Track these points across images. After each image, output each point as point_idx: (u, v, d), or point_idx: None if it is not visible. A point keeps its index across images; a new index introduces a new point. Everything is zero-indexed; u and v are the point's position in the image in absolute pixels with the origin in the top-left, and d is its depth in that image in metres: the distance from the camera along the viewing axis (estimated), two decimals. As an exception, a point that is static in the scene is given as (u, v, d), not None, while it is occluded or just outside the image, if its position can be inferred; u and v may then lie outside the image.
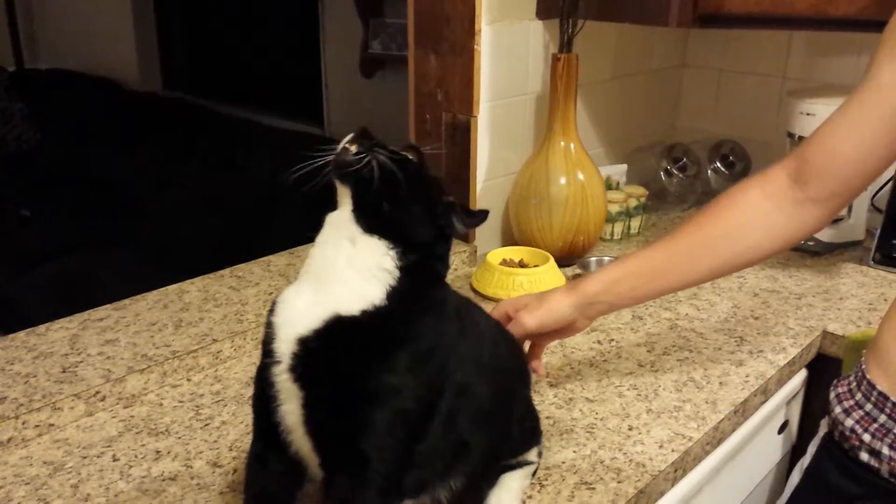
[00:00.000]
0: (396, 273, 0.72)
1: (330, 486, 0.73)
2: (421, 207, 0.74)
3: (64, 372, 1.07)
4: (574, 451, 0.98)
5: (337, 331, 0.70)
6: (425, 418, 0.73)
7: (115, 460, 0.95)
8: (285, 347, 0.71)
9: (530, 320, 1.01)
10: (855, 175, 0.95)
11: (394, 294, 0.71)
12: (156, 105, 3.62)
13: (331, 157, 0.73)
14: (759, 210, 0.99)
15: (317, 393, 0.71)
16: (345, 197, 0.74)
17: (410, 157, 0.74)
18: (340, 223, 0.73)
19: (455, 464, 0.77)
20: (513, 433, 0.88)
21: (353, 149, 0.72)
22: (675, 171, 1.80)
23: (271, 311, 0.74)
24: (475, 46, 1.42)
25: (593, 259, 1.47)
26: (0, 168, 3.72)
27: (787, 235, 1.00)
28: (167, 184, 3.20)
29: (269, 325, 0.74)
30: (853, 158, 0.94)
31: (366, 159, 0.71)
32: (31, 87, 3.94)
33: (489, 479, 0.87)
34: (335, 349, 0.70)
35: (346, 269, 0.72)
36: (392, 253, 0.72)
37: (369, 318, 0.70)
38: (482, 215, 0.81)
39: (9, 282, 3.04)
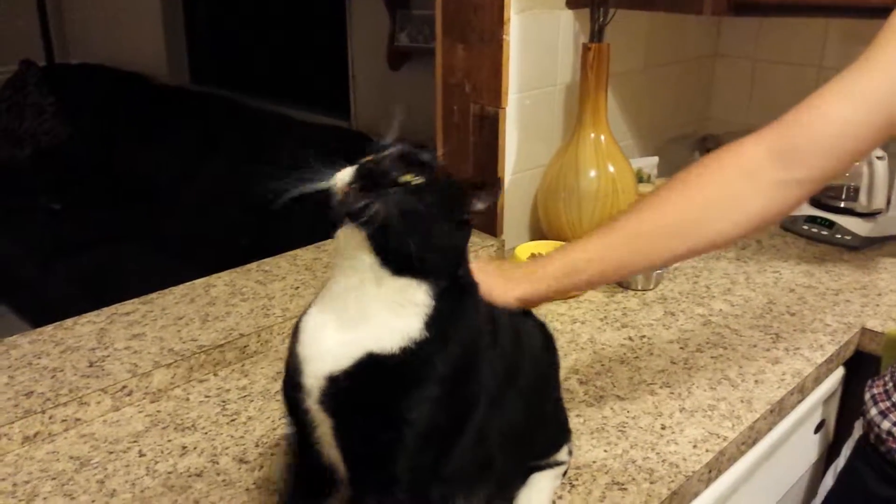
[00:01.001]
0: (431, 302, 0.68)
1: (358, 496, 0.73)
2: (444, 232, 0.69)
3: (91, 366, 1.07)
4: (605, 451, 0.96)
5: (371, 369, 0.67)
6: (455, 433, 0.71)
7: (141, 455, 0.95)
8: (313, 382, 0.69)
9: None
10: (852, 145, 0.84)
11: (431, 322, 0.68)
12: (184, 99, 3.63)
13: (324, 189, 0.68)
14: (733, 191, 0.87)
15: (347, 422, 0.69)
16: (356, 237, 0.67)
17: (418, 181, 0.67)
18: (360, 262, 0.68)
19: (482, 477, 0.76)
20: (541, 437, 0.86)
21: (355, 196, 0.66)
22: (708, 164, 1.76)
23: (294, 337, 0.72)
24: (504, 36, 1.39)
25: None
26: (31, 162, 3.76)
27: (759, 220, 0.88)
28: (195, 177, 3.21)
29: (292, 354, 0.71)
30: (854, 124, 0.84)
31: (375, 208, 0.65)
32: (62, 81, 3.97)
33: (517, 483, 0.85)
34: (368, 385, 0.68)
35: (378, 311, 0.68)
36: (424, 287, 0.68)
37: (409, 354, 0.67)
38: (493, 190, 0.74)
39: (39, 274, 3.08)
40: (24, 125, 3.84)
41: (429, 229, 0.68)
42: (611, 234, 0.91)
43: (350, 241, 0.68)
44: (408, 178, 0.67)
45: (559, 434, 0.90)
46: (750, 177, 0.86)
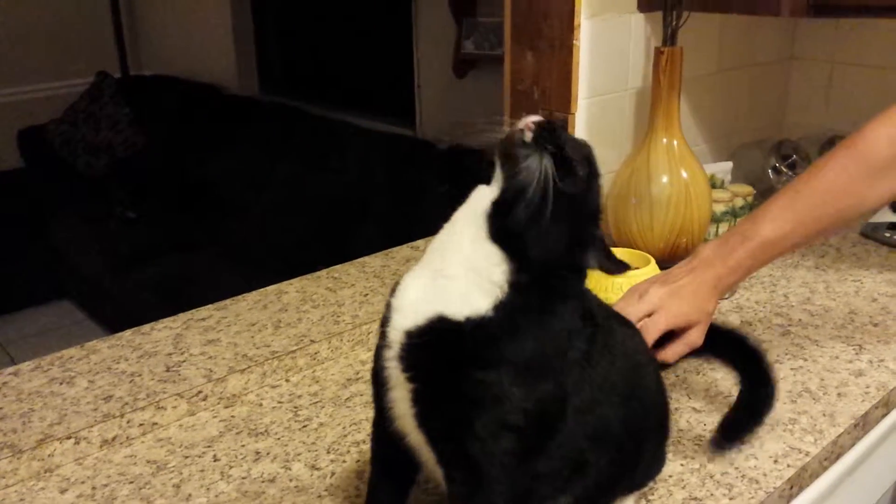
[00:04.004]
0: (505, 288, 0.68)
1: (449, 482, 0.72)
2: (560, 234, 0.68)
3: (168, 371, 1.09)
4: (682, 465, 0.93)
5: (439, 332, 0.68)
6: (541, 435, 0.70)
7: (215, 460, 0.96)
8: (395, 336, 0.70)
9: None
10: None
11: (502, 308, 0.68)
12: (254, 109, 3.71)
13: (505, 131, 0.70)
14: (884, 166, 1.00)
15: (421, 388, 0.69)
16: (496, 181, 0.69)
17: (580, 172, 0.69)
18: (476, 211, 0.69)
19: (572, 481, 0.74)
20: (638, 470, 0.84)
21: (528, 137, 0.68)
22: (784, 169, 1.71)
23: (392, 292, 0.73)
24: (574, 42, 1.38)
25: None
26: (108, 171, 3.88)
27: None
28: (265, 185, 3.26)
29: (387, 307, 0.72)
30: None
31: (530, 157, 0.67)
32: (136, 92, 4.10)
33: (613, 496, 0.84)
34: (436, 349, 0.68)
35: (460, 269, 0.69)
36: (504, 267, 0.68)
37: (472, 328, 0.67)
38: (623, 267, 0.76)
39: (116, 282, 3.17)
40: (100, 135, 3.97)
41: (548, 217, 0.67)
42: (792, 208, 1.02)
43: (494, 181, 0.70)
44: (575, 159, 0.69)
45: (652, 473, 0.88)
46: None
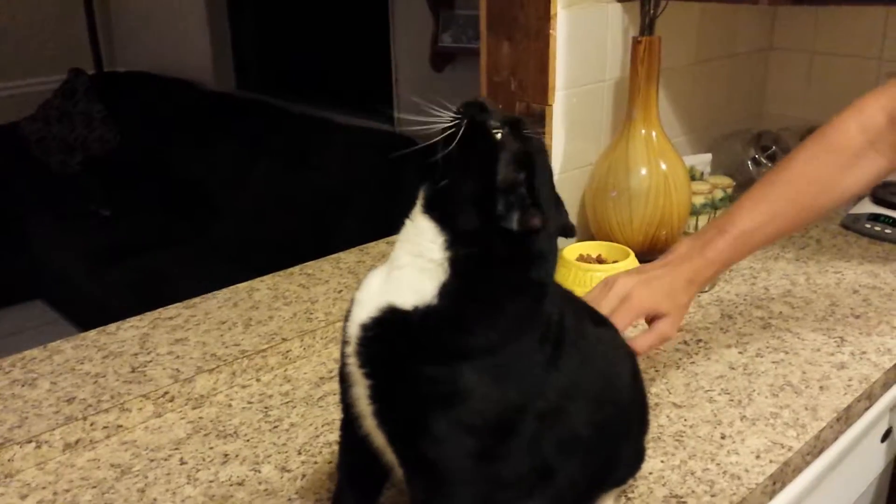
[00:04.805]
0: (446, 266, 0.65)
1: (409, 486, 0.70)
2: (473, 189, 0.65)
3: (133, 372, 1.06)
4: (662, 461, 0.91)
5: (389, 323, 0.66)
6: (502, 436, 0.67)
7: (182, 463, 0.93)
8: (352, 330, 0.68)
9: (672, 329, 0.99)
10: None
11: (446, 292, 0.65)
12: (230, 105, 3.65)
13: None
14: (855, 154, 1.00)
15: (376, 383, 0.67)
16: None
17: (500, 134, 0.67)
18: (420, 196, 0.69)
19: (539, 487, 0.71)
20: (615, 470, 0.81)
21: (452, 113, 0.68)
22: (764, 160, 1.70)
23: (360, 287, 0.72)
24: (550, 31, 1.35)
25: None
26: (81, 169, 3.82)
27: (876, 179, 1.03)
28: (242, 182, 3.22)
29: (351, 301, 0.71)
30: None
31: (452, 123, 0.66)
32: (111, 89, 4.03)
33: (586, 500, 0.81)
34: (388, 342, 0.66)
35: (405, 255, 0.67)
36: (439, 241, 0.65)
37: (420, 317, 0.65)
38: (544, 219, 0.67)
39: (90, 281, 3.12)
40: (75, 133, 3.90)
41: (462, 175, 0.66)
42: (766, 200, 1.02)
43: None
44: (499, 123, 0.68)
45: (630, 470, 0.85)
46: (870, 137, 0.99)
